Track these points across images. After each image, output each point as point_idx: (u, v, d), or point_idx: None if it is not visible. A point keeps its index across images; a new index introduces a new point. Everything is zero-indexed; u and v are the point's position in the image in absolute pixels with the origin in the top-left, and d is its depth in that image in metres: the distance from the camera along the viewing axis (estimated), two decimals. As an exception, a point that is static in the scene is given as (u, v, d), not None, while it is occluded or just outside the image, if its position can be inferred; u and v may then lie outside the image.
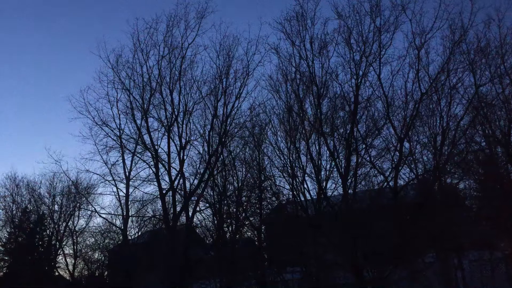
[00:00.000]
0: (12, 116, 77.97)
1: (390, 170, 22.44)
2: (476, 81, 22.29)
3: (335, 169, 23.06)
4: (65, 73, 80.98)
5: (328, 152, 23.04)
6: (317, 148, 23.55)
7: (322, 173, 23.61)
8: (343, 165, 22.55)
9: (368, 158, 22.50)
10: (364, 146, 22.46)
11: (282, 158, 25.17)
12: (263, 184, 27.54)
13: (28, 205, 38.66)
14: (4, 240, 39.02)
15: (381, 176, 22.67)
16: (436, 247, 22.59)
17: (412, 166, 23.43)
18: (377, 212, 21.98)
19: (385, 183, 22.27)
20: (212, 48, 26.56)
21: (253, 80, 28.66)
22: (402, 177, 22.90)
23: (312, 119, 23.63)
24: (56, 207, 38.48)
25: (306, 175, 24.22)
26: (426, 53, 22.06)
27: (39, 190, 38.50)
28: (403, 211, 21.57)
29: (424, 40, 21.69)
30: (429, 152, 23.62)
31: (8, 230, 38.74)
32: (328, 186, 23.82)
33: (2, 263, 39.48)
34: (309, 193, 24.35)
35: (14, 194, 38.64)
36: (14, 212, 38.48)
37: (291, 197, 25.83)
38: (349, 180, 22.36)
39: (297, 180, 24.49)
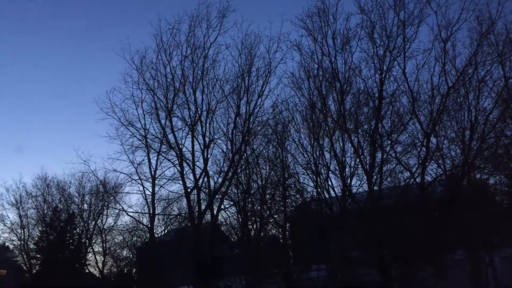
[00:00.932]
0: (42, 118, 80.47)
1: (416, 166, 22.05)
2: (506, 73, 21.56)
3: (359, 166, 22.82)
4: (92, 75, 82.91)
5: (352, 148, 22.85)
6: (341, 144, 23.38)
7: (347, 170, 23.42)
8: (368, 162, 22.28)
9: (393, 154, 22.18)
10: (389, 142, 22.14)
11: (306, 155, 25.10)
12: (287, 182, 27.48)
13: (59, 205, 39.83)
14: (36, 238, 40.34)
15: (408, 172, 22.29)
16: (465, 244, 22.06)
17: (439, 161, 22.93)
18: (403, 208, 21.62)
19: (412, 180, 21.88)
20: (234, 47, 26.66)
21: (275, 78, 28.63)
22: (429, 173, 22.44)
23: (335, 116, 23.43)
24: (85, 206, 39.58)
25: (330, 172, 24.08)
26: (452, 46, 21.52)
27: (69, 190, 39.61)
28: (430, 208, 21.15)
29: (450, 32, 21.15)
30: (457, 147, 23.05)
31: (40, 229, 40.06)
32: (353, 183, 23.61)
33: (35, 261, 40.84)
34: (334, 190, 24.22)
35: (45, 194, 39.91)
36: (46, 211, 39.74)
37: (315, 194, 25.71)
38: (374, 177, 22.09)
39: (321, 177, 24.37)
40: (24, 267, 42.02)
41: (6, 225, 40.11)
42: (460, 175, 22.21)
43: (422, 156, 21.73)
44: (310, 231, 26.22)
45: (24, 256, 40.82)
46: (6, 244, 44.00)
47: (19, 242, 40.63)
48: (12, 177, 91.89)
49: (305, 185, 26.49)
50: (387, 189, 22.74)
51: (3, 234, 42.27)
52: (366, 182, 22.28)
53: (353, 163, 23.38)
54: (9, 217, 40.24)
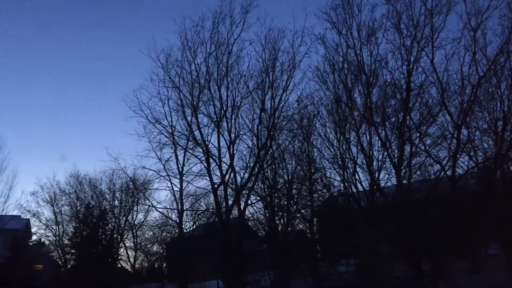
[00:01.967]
0: (73, 119, 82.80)
1: (447, 158, 21.45)
2: (541, 61, 20.67)
3: (387, 159, 22.46)
4: (119, 75, 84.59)
5: (379, 142, 22.44)
6: (368, 138, 23.02)
7: (374, 163, 23.07)
8: (396, 155, 21.89)
9: (422, 147, 21.64)
10: (418, 134, 21.63)
11: (332, 150, 24.88)
12: (313, 176, 27.37)
13: (91, 201, 40.86)
14: (70, 234, 41.62)
15: (438, 165, 21.74)
16: (499, 238, 21.40)
17: (471, 154, 22.24)
18: (434, 202, 21.16)
19: (442, 173, 21.35)
20: (257, 42, 26.61)
21: (299, 72, 28.45)
22: (460, 166, 21.76)
23: (361, 109, 23.08)
24: (116, 202, 40.46)
25: (357, 166, 23.80)
26: (483, 34, 20.68)
27: (100, 187, 40.56)
28: (462, 201, 20.61)
29: (480, 20, 20.36)
30: (489, 139, 22.26)
31: (73, 225, 41.21)
32: (381, 177, 23.25)
33: (69, 256, 42.17)
34: (361, 185, 23.90)
35: (78, 191, 40.99)
36: (78, 208, 40.84)
37: (342, 189, 25.51)
38: (403, 170, 21.68)
39: (348, 171, 24.12)
40: (60, 262, 43.41)
41: (41, 222, 41.41)
42: (493, 167, 21.46)
43: (452, 148, 21.12)
44: (338, 226, 26.06)
45: (59, 251, 42.11)
46: (42, 240, 45.64)
47: (54, 238, 41.93)
48: (46, 175, 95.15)
49: (331, 179, 26.36)
50: (417, 183, 22.26)
51: (39, 231, 43.72)
52: (395, 175, 21.91)
53: (380, 156, 23.03)
54: (44, 214, 41.49)
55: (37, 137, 79.95)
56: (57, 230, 41.23)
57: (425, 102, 21.81)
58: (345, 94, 23.54)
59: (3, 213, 33.66)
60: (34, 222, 42.46)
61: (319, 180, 27.33)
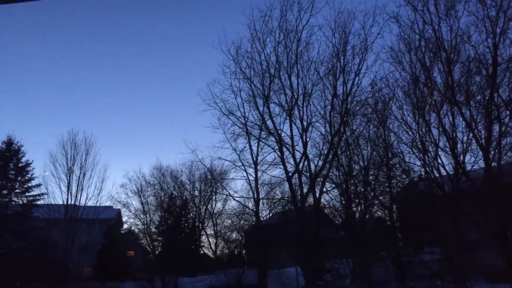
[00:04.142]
0: (154, 115, 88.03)
1: (543, 137, 19.46)
2: None
3: (473, 141, 20.90)
4: (194, 70, 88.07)
5: (464, 122, 20.96)
6: (451, 119, 21.58)
7: (459, 146, 21.61)
8: (483, 136, 20.29)
9: (513, 125, 19.82)
10: (508, 112, 19.82)
11: (411, 133, 23.71)
12: (391, 162, 26.35)
13: (173, 192, 43.32)
14: (156, 223, 44.50)
15: (532, 144, 19.79)
16: None
17: None
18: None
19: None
20: (327, 26, 26.17)
21: (372, 54, 27.64)
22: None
23: (442, 88, 21.66)
24: (196, 192, 42.55)
25: (439, 150, 22.45)
26: None
27: (181, 178, 42.93)
28: None
29: None
30: None
31: (159, 214, 44.02)
32: (466, 160, 21.75)
33: (157, 243, 45.16)
34: (444, 169, 22.54)
35: (161, 182, 43.73)
36: (163, 198, 43.49)
37: (423, 173, 24.26)
38: (492, 152, 20.03)
39: (429, 155, 22.84)
40: (148, 249, 46.73)
41: (131, 212, 44.81)
42: None
43: (550, 126, 19.10)
44: (421, 212, 24.87)
45: (148, 238, 45.28)
46: (132, 228, 49.42)
47: (143, 226, 45.09)
48: (133, 168, 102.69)
49: (411, 164, 25.16)
50: (508, 165, 20.48)
51: (129, 220, 47.46)
52: (482, 158, 20.33)
53: (465, 138, 21.52)
54: (133, 204, 44.82)
55: (122, 133, 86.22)
56: (145, 219, 44.32)
57: (515, 76, 19.87)
58: (423, 74, 22.26)
59: (97, 204, 37.05)
60: (124, 212, 46.21)
61: (398, 166, 26.27)
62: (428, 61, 21.90)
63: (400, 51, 23.22)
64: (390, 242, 27.20)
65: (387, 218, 28.65)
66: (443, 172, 22.52)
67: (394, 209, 28.24)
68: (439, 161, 22.49)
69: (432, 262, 24.65)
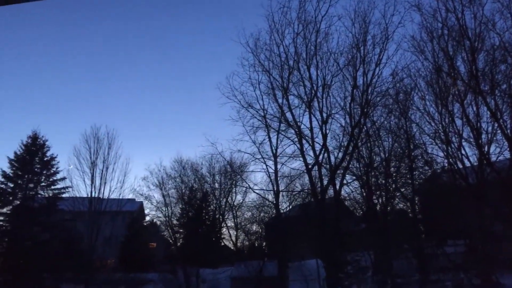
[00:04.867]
0: (175, 108, 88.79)
1: None
2: None
3: (498, 131, 20.42)
4: (212, 63, 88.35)
5: (488, 112, 20.50)
6: (475, 109, 21.16)
7: (483, 136, 21.17)
8: (508, 126, 19.80)
9: (541, 115, 19.26)
10: (535, 101, 19.26)
11: (433, 124, 23.35)
12: (413, 153, 25.95)
13: (194, 184, 43.66)
14: (178, 215, 45.07)
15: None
16: None
17: None
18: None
19: None
20: (346, 16, 25.90)
21: (393, 44, 27.35)
22: None
23: (466, 78, 21.18)
24: (216, 185, 42.86)
25: (463, 140, 22.02)
26: None
27: (201, 171, 43.21)
28: None
29: None
30: None
31: (180, 206, 44.53)
32: (491, 151, 21.28)
33: (178, 235, 45.74)
34: (468, 160, 22.12)
35: (182, 175, 44.03)
36: (183, 191, 43.84)
37: (446, 165, 23.84)
38: (518, 143, 19.53)
39: (453, 146, 22.44)
40: (170, 240, 47.41)
41: (152, 204, 45.38)
42: None
43: None
44: (444, 204, 24.47)
45: (169, 230, 45.82)
46: (154, 220, 50.17)
47: (164, 219, 45.54)
48: (154, 161, 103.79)
49: (434, 155, 24.80)
50: (535, 156, 19.95)
51: (151, 212, 48.18)
52: (508, 149, 19.86)
53: (490, 128, 21.08)
54: (154, 197, 45.46)
55: (144, 127, 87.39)
56: (166, 211, 44.75)
57: (543, 64, 19.26)
58: (446, 63, 21.79)
59: (120, 197, 37.74)
60: (146, 205, 46.86)
61: (420, 157, 25.87)
62: (451, 50, 21.48)
63: (422, 40, 22.83)
64: (412, 235, 26.88)
65: (409, 210, 28.33)
66: (467, 163, 22.16)
67: (417, 201, 27.87)
68: (463, 152, 22.16)
69: (455, 255, 24.29)
